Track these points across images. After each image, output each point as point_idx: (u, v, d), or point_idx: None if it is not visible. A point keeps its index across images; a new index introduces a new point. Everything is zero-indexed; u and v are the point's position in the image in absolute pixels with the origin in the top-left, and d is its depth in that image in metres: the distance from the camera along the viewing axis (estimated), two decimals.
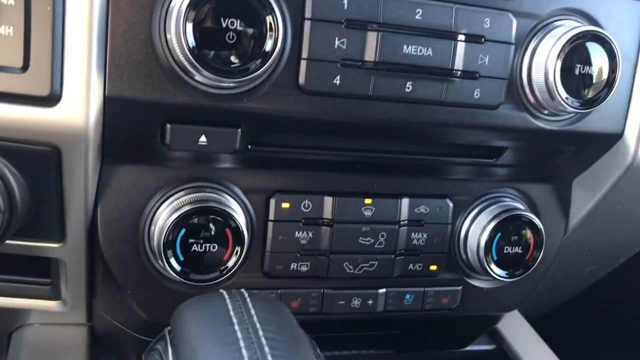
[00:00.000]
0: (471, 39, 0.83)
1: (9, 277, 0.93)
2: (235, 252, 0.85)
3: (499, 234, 0.96)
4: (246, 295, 0.63)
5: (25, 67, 0.70)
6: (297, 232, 0.91)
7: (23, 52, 0.69)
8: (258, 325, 0.57)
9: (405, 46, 0.80)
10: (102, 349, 1.07)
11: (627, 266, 1.30)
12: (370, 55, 0.79)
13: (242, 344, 0.56)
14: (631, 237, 1.19)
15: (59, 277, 0.93)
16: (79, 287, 0.94)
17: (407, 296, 1.00)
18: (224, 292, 0.64)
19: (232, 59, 0.72)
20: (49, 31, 0.69)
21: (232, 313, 0.59)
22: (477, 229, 0.98)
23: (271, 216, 0.90)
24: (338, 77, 0.79)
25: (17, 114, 0.72)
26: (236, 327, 0.57)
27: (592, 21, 0.90)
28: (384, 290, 0.98)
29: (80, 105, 0.73)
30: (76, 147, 0.76)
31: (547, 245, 1.00)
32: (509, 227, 0.97)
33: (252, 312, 0.60)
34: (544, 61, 0.85)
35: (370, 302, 0.98)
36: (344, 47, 0.78)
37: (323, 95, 0.80)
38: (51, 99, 0.72)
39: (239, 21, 0.71)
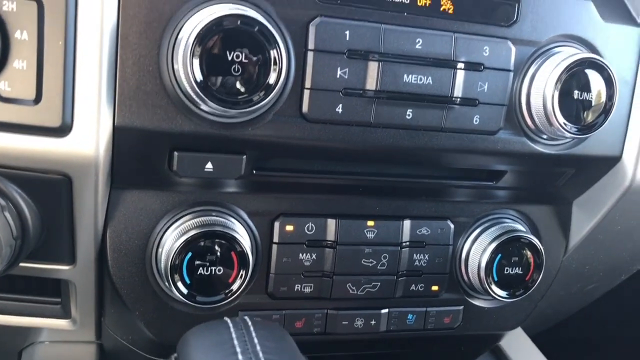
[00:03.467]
0: (470, 66, 0.85)
1: (20, 296, 0.96)
2: (240, 276, 0.86)
3: (500, 255, 0.98)
4: (249, 323, 0.65)
5: (37, 100, 0.72)
6: (301, 254, 0.93)
7: (36, 85, 0.72)
8: (261, 355, 0.60)
9: (405, 75, 0.82)
10: None
11: (629, 282, 1.31)
12: (371, 84, 0.81)
13: None
14: (632, 256, 1.20)
15: (69, 297, 0.95)
16: (89, 307, 0.96)
17: (410, 316, 1.02)
18: (229, 321, 0.66)
19: (237, 90, 0.74)
20: (60, 65, 0.72)
21: (235, 342, 0.61)
22: (478, 250, 0.99)
23: (275, 238, 0.92)
24: (340, 105, 0.81)
25: (29, 144, 0.74)
26: (240, 357, 0.59)
27: (591, 48, 0.91)
28: (386, 310, 1.00)
29: (90, 136, 0.75)
30: (86, 175, 0.78)
31: (547, 265, 1.01)
32: (509, 248, 0.98)
33: (255, 340, 0.62)
34: (542, 87, 0.86)
35: (373, 322, 1.00)
36: (346, 76, 0.80)
37: (326, 123, 0.82)
38: (62, 130, 0.74)
39: (244, 54, 0.73)
